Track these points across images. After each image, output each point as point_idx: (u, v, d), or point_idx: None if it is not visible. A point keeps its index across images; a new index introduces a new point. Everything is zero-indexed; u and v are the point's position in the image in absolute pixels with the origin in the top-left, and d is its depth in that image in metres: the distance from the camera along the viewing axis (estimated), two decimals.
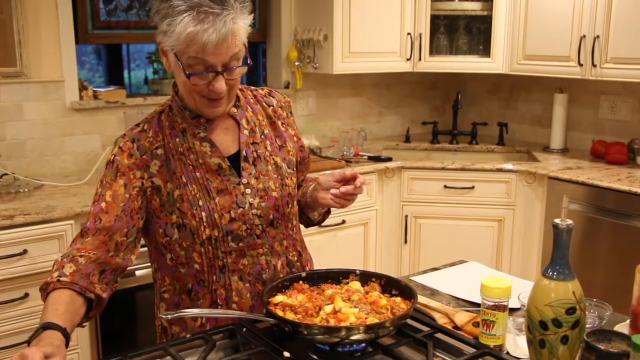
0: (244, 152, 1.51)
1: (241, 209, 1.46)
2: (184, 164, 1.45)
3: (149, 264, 2.67)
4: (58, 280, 1.31)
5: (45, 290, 1.32)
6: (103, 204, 1.40)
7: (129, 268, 2.63)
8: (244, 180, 1.48)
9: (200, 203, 1.43)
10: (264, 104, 1.61)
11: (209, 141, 1.47)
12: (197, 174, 1.45)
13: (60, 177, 2.93)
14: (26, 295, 2.35)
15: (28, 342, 1.20)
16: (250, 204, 1.48)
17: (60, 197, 2.60)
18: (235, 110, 1.53)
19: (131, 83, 5.64)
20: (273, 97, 1.63)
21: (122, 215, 1.40)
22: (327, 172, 3.10)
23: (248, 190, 1.48)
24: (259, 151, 1.53)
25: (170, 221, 1.44)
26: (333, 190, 1.53)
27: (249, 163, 1.50)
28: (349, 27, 3.41)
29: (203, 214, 1.43)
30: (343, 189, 1.52)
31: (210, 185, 1.45)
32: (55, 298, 1.29)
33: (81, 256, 1.36)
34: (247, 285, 1.50)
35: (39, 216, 2.35)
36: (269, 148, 1.55)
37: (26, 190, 2.69)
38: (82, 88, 3.06)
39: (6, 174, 2.77)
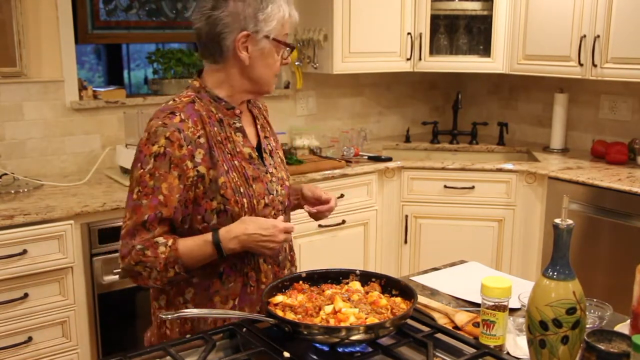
0: (262, 144, 1.63)
1: (271, 196, 1.57)
2: (223, 152, 1.51)
3: None
4: (173, 245, 1.42)
5: (171, 258, 1.41)
6: (161, 197, 1.43)
7: None
8: (269, 169, 1.60)
9: (242, 190, 1.50)
10: (257, 104, 1.72)
11: (242, 131, 1.56)
12: (235, 162, 1.52)
13: (60, 177, 2.93)
14: (26, 295, 2.35)
15: (216, 245, 1.42)
16: (276, 191, 1.59)
17: (60, 197, 2.60)
18: (252, 106, 1.65)
19: (131, 83, 5.64)
20: (257, 100, 1.73)
21: (179, 206, 1.45)
22: (326, 172, 3.10)
23: (274, 179, 1.59)
24: (271, 144, 1.66)
25: (210, 207, 1.48)
26: (308, 207, 1.72)
27: (267, 154, 1.62)
28: (349, 27, 3.41)
29: (244, 200, 1.50)
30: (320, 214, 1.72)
31: (247, 173, 1.53)
32: (186, 240, 1.44)
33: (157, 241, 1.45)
34: (269, 267, 1.59)
35: (39, 216, 2.35)
36: (273, 143, 1.68)
37: (26, 190, 2.69)
38: (82, 88, 3.06)
39: (6, 174, 2.77)
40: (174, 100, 1.52)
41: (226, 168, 1.49)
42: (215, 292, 1.53)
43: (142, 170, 1.43)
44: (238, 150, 1.53)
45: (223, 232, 1.45)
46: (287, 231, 1.49)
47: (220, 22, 1.45)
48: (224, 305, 1.53)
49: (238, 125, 1.55)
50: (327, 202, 1.71)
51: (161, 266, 1.41)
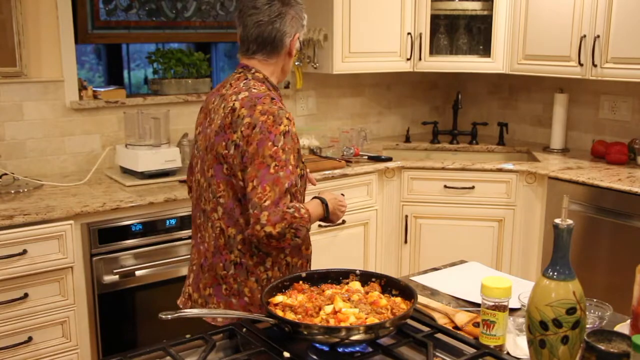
0: None
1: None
2: None
3: (149, 263, 2.68)
4: (304, 206, 1.65)
5: (309, 216, 1.64)
6: (290, 167, 1.65)
7: (128, 268, 2.66)
8: None
9: (304, 158, 1.79)
10: None
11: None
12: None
13: (60, 177, 2.93)
14: (26, 295, 2.35)
15: (326, 205, 1.75)
16: None
17: (60, 197, 2.60)
18: None
19: (131, 83, 5.63)
20: None
21: (297, 173, 1.69)
22: (327, 172, 3.10)
23: None
24: None
25: (296, 173, 1.71)
26: None
27: None
28: (349, 27, 3.41)
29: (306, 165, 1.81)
30: None
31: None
32: (305, 204, 1.71)
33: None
34: None
35: (39, 216, 2.35)
36: None
37: (26, 190, 2.68)
38: (82, 88, 3.06)
39: (6, 174, 2.77)
40: (254, 89, 1.71)
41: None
42: (302, 243, 1.79)
43: (275, 147, 1.63)
44: None
45: (323, 196, 1.78)
46: None
47: (288, 24, 1.74)
48: (307, 251, 1.82)
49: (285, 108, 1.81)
50: None
51: (308, 223, 1.64)
